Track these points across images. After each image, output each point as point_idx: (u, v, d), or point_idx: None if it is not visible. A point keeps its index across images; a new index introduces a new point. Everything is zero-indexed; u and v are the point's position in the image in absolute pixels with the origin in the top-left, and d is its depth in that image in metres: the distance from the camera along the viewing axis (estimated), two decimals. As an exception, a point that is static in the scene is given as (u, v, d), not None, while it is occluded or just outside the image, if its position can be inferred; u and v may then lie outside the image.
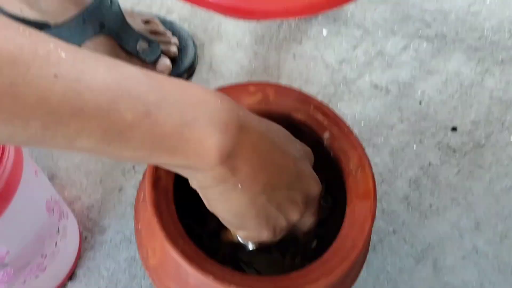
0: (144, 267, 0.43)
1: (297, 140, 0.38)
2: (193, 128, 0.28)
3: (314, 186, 0.37)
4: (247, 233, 0.36)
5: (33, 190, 0.42)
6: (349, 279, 0.43)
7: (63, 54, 0.24)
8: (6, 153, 0.36)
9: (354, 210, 0.41)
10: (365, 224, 0.40)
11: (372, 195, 0.41)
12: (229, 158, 0.30)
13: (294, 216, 0.36)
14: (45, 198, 0.45)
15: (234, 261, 0.45)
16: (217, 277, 0.36)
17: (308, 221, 0.39)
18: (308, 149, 0.39)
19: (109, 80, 0.26)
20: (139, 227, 0.44)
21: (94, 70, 0.25)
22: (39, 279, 0.47)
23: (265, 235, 0.36)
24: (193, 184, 0.33)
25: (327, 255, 0.39)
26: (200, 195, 0.34)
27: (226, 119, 0.30)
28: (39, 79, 0.23)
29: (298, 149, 0.37)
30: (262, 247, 0.43)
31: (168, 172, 0.41)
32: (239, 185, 0.32)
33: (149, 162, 0.30)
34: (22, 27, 0.24)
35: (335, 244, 0.39)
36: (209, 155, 0.29)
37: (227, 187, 0.32)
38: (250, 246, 0.42)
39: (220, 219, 0.36)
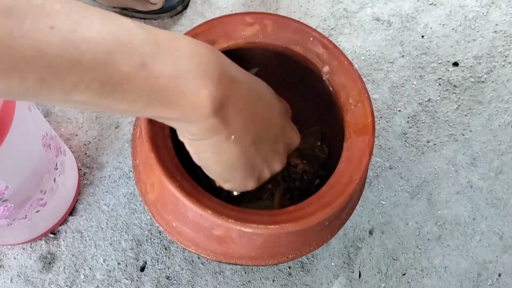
0: (143, 202, 0.43)
1: (279, 97, 0.38)
2: (187, 79, 0.28)
3: (295, 138, 0.38)
4: (233, 185, 0.36)
5: (28, 125, 0.41)
6: (345, 212, 0.43)
7: (57, 5, 0.23)
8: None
9: (352, 145, 0.40)
10: (362, 159, 0.39)
11: (370, 130, 0.40)
12: (222, 109, 0.30)
13: (277, 167, 0.37)
14: (41, 133, 0.44)
15: (231, 198, 0.46)
16: (216, 211, 0.36)
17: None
18: (287, 105, 0.40)
19: (105, 31, 0.25)
20: (137, 162, 0.44)
21: (90, 22, 0.24)
22: (40, 214, 0.48)
23: (250, 185, 0.36)
24: (185, 137, 0.33)
25: (324, 190, 0.39)
26: (190, 149, 0.34)
27: (218, 71, 0.29)
28: (34, 31, 0.22)
29: (280, 105, 0.37)
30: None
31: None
32: (232, 137, 0.32)
33: (144, 115, 0.29)
34: None
35: (332, 179, 0.39)
36: (203, 106, 0.29)
37: (220, 139, 0.32)
38: (235, 193, 0.42)
39: (208, 172, 0.35)
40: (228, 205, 0.38)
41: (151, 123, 0.39)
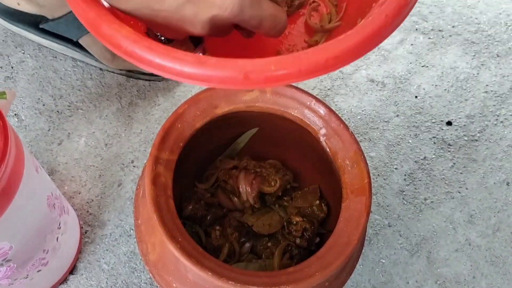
0: (144, 262, 0.44)
1: None
2: None
3: None
4: (248, 12, 0.31)
5: (35, 186, 0.42)
6: (345, 272, 0.44)
7: None
8: (8, 151, 0.37)
9: (350, 206, 0.42)
10: (360, 219, 0.40)
11: (367, 191, 0.42)
12: None
13: None
14: (46, 194, 0.45)
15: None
16: (216, 273, 0.37)
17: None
18: None
19: None
20: (139, 222, 0.45)
21: None
22: (42, 273, 0.48)
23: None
24: None
25: (323, 250, 0.40)
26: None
27: None
28: None
29: None
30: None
31: (167, 169, 0.41)
32: None
33: None
34: None
35: (331, 240, 0.40)
36: None
37: None
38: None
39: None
40: (228, 266, 0.38)
41: (154, 184, 0.40)
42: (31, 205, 0.42)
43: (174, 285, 0.42)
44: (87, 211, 0.59)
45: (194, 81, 0.29)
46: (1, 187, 0.37)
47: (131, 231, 0.58)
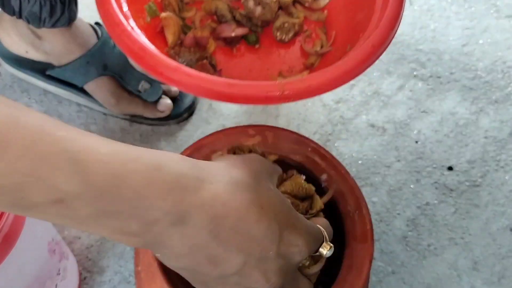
0: (144, 310, 0.43)
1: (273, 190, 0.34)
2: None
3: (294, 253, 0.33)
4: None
5: (37, 231, 0.42)
6: (348, 322, 0.43)
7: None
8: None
9: (352, 253, 0.41)
10: (363, 267, 0.40)
11: (370, 238, 0.41)
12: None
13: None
14: (47, 239, 0.45)
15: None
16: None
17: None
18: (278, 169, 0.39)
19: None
20: (139, 269, 0.44)
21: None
22: (38, 321, 0.47)
23: None
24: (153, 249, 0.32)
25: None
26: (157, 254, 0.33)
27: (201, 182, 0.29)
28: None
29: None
30: None
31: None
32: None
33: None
34: None
35: (335, 286, 0.40)
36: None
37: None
38: None
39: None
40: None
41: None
42: (32, 250, 0.42)
43: (174, 335, 0.41)
44: (87, 257, 0.58)
45: (234, 101, 0.39)
46: (3, 234, 0.37)
47: (130, 277, 0.57)
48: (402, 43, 0.80)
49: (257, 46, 0.52)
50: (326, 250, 0.34)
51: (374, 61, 0.43)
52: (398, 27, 0.45)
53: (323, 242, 0.34)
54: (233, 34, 0.50)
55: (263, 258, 0.31)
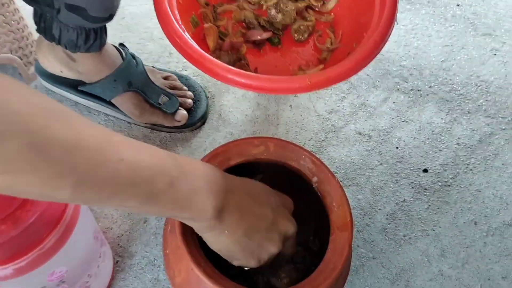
0: (171, 284, 0.54)
1: (277, 193, 0.52)
2: (198, 194, 0.42)
3: (290, 227, 0.50)
4: (238, 262, 0.49)
5: (87, 222, 0.53)
6: (333, 294, 0.54)
7: (124, 147, 0.37)
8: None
9: (336, 239, 0.52)
10: (343, 250, 0.51)
11: (350, 227, 0.52)
12: (220, 213, 0.43)
13: (273, 250, 0.48)
14: (92, 229, 0.56)
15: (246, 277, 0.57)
16: (230, 291, 0.47)
17: (288, 250, 0.53)
18: (288, 200, 0.53)
19: (150, 161, 0.38)
20: (167, 252, 0.55)
21: (140, 154, 0.38)
22: (84, 295, 0.59)
23: (252, 263, 0.49)
24: (196, 230, 0.47)
25: (314, 275, 0.50)
26: (203, 238, 0.48)
27: (219, 187, 0.43)
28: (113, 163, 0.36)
29: (276, 200, 0.50)
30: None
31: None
32: (226, 231, 0.45)
33: (166, 215, 0.43)
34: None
35: (320, 267, 0.51)
36: (208, 212, 0.43)
37: (217, 232, 0.45)
38: (246, 268, 0.53)
39: (219, 253, 0.49)
40: (240, 286, 0.49)
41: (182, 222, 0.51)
42: (84, 237, 0.53)
43: (196, 302, 0.52)
44: (118, 244, 0.69)
45: (275, 92, 0.54)
46: (66, 223, 0.48)
47: (155, 261, 0.68)
48: (387, 60, 0.91)
49: (279, 46, 0.63)
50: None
51: (376, 54, 0.55)
52: (393, 27, 0.56)
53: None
54: (260, 38, 0.61)
55: (281, 210, 0.49)
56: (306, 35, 0.63)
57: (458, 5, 1.01)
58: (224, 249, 0.47)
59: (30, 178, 0.32)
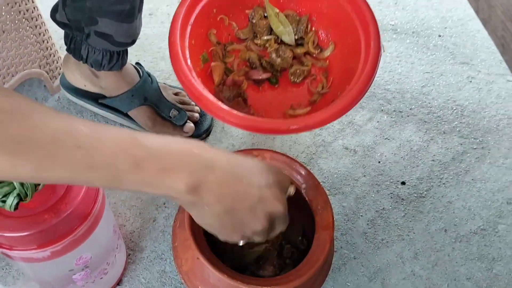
0: (179, 272, 0.63)
1: (272, 170, 0.50)
2: (168, 172, 0.42)
3: (277, 206, 0.49)
4: (222, 237, 0.50)
5: (108, 217, 0.63)
6: (316, 283, 0.63)
7: (85, 130, 0.39)
8: (99, 196, 0.58)
9: (319, 237, 0.62)
10: (325, 246, 0.61)
11: (331, 226, 0.62)
12: (195, 190, 0.43)
13: (256, 227, 0.48)
14: (112, 223, 0.66)
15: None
16: (230, 276, 0.57)
17: (279, 227, 0.53)
18: (284, 178, 0.52)
19: (112, 145, 0.40)
20: (176, 245, 0.65)
21: (101, 139, 0.39)
22: (102, 281, 0.68)
23: (234, 238, 0.50)
24: (178, 203, 0.47)
25: (300, 266, 0.60)
26: (185, 207, 0.47)
27: (195, 164, 0.43)
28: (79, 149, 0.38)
29: (268, 178, 0.49)
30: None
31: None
32: (206, 207, 0.45)
33: (138, 192, 0.46)
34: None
35: (306, 259, 0.61)
36: (179, 190, 0.43)
37: (198, 208, 0.45)
38: (240, 243, 0.54)
39: (203, 227, 0.50)
40: (239, 273, 0.58)
41: (190, 217, 0.61)
42: (105, 230, 0.63)
43: (200, 287, 0.61)
44: (130, 239, 0.79)
45: (260, 132, 0.58)
46: (94, 216, 0.58)
47: (163, 255, 0.77)
48: (373, 83, 1.00)
49: (276, 86, 0.70)
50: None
51: (353, 107, 0.60)
52: (371, 83, 0.62)
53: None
54: (260, 77, 0.69)
55: (271, 189, 0.48)
56: (301, 78, 0.69)
57: (439, 36, 1.12)
58: (207, 224, 0.48)
59: None
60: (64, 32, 0.79)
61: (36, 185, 0.52)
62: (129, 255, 0.77)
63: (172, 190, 0.43)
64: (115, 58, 0.79)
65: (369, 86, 0.62)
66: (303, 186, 0.66)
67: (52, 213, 0.53)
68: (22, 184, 0.50)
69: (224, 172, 0.45)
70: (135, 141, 0.41)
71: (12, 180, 0.42)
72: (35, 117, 0.38)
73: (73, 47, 0.78)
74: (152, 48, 1.03)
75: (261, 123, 0.59)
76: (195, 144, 0.45)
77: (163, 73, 0.99)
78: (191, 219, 0.60)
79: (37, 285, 0.67)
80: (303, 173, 0.67)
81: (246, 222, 0.48)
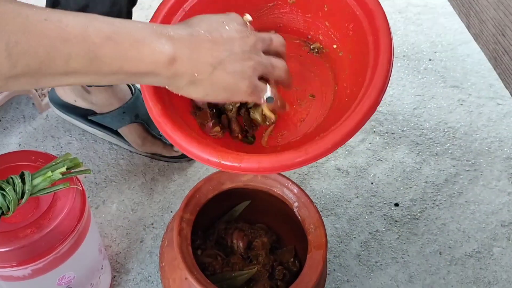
0: (166, 293, 0.61)
1: (219, 15, 0.47)
2: (144, 45, 0.41)
3: (274, 36, 0.48)
4: (232, 95, 0.46)
5: (94, 235, 0.61)
6: (309, 306, 0.61)
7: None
8: (85, 212, 0.56)
9: (312, 256, 0.60)
10: (318, 266, 0.59)
11: (324, 246, 0.60)
12: (175, 60, 0.42)
13: (263, 61, 0.46)
14: (98, 242, 0.63)
15: None
16: (219, 296, 0.54)
17: (281, 64, 0.49)
18: (234, 16, 0.47)
19: (78, 19, 0.39)
20: (163, 264, 0.62)
21: (66, 15, 0.39)
22: (85, 303, 0.65)
23: (244, 87, 0.45)
24: (172, 89, 0.45)
25: (293, 286, 0.58)
26: (181, 93, 0.45)
27: (166, 30, 0.42)
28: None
29: (227, 21, 0.46)
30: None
31: (188, 225, 0.60)
32: (195, 74, 0.43)
33: (127, 80, 0.42)
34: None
35: (298, 279, 0.59)
36: (162, 62, 0.41)
37: (190, 80, 0.43)
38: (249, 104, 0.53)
39: (212, 100, 0.48)
40: (227, 293, 0.56)
41: (180, 235, 0.59)
42: (91, 247, 0.60)
43: (188, 309, 0.59)
44: (116, 261, 0.76)
45: (231, 171, 0.46)
46: (79, 232, 0.56)
47: (149, 277, 0.75)
48: (366, 105, 1.01)
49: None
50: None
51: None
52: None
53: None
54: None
55: (234, 26, 0.45)
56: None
57: (430, 60, 1.13)
58: (211, 93, 0.45)
59: None
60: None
61: (19, 199, 0.50)
62: (114, 277, 0.74)
63: (154, 64, 0.41)
64: (106, 74, 0.78)
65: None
66: (295, 204, 0.65)
67: (34, 228, 0.51)
68: (4, 197, 0.48)
69: (199, 27, 0.44)
70: (97, 18, 0.40)
71: None
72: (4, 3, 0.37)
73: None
74: (144, 68, 1.02)
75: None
76: (153, 23, 0.46)
77: (154, 92, 0.98)
78: (180, 238, 0.58)
79: (16, 307, 0.64)
80: (295, 190, 0.65)
81: (245, 63, 0.45)
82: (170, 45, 0.42)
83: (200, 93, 0.45)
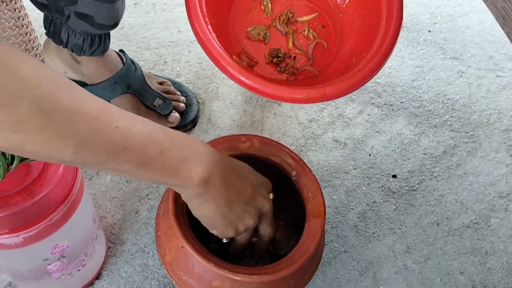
0: (162, 263, 0.60)
1: (258, 174, 0.58)
2: (186, 163, 0.46)
3: (266, 204, 0.56)
4: (217, 231, 0.54)
5: (87, 204, 0.59)
6: (306, 275, 0.60)
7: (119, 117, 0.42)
8: (78, 179, 0.54)
9: (310, 225, 0.59)
10: (316, 234, 0.58)
11: (323, 214, 0.59)
12: (205, 182, 0.48)
13: (249, 222, 0.54)
14: (92, 211, 0.62)
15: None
16: (216, 264, 0.54)
17: (267, 230, 0.59)
18: (267, 181, 0.58)
19: (143, 131, 0.43)
20: (159, 234, 0.61)
21: (135, 123, 0.43)
22: (80, 273, 0.64)
23: (229, 233, 0.54)
24: (183, 198, 0.52)
25: (290, 255, 0.57)
26: (188, 205, 0.53)
27: (205, 159, 0.48)
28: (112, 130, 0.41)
29: (257, 179, 0.56)
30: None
31: (183, 194, 0.59)
32: (210, 199, 0.50)
33: (157, 181, 0.47)
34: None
35: (296, 248, 0.58)
36: (194, 180, 0.47)
37: (202, 199, 0.50)
38: (224, 240, 0.59)
39: (201, 221, 0.54)
40: (225, 262, 0.55)
41: (175, 203, 0.57)
42: (84, 217, 0.59)
43: (184, 277, 0.58)
44: (111, 232, 0.75)
45: (283, 100, 0.60)
46: (72, 200, 0.54)
47: (145, 248, 0.74)
48: (364, 77, 0.99)
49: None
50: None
51: (368, 80, 0.62)
52: (389, 57, 0.63)
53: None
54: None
55: (259, 188, 0.55)
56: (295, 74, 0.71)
57: (429, 31, 1.11)
58: (207, 216, 0.52)
59: (37, 138, 0.36)
60: (44, 15, 0.75)
61: (8, 165, 0.48)
62: (109, 248, 0.73)
63: (187, 181, 0.47)
64: (97, 42, 0.75)
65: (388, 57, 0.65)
66: (293, 173, 0.64)
67: (25, 195, 0.50)
68: (-8, 163, 0.46)
69: (226, 169, 0.51)
70: (161, 130, 0.45)
71: (47, 158, 0.39)
72: (77, 92, 0.39)
73: (53, 30, 0.75)
74: (137, 38, 1.00)
75: (279, 90, 0.59)
76: (201, 142, 0.50)
77: (147, 62, 0.96)
78: (175, 207, 0.57)
79: (9, 277, 0.63)
80: (293, 159, 0.64)
81: (242, 216, 0.53)
82: (208, 170, 0.48)
83: (199, 212, 0.53)
